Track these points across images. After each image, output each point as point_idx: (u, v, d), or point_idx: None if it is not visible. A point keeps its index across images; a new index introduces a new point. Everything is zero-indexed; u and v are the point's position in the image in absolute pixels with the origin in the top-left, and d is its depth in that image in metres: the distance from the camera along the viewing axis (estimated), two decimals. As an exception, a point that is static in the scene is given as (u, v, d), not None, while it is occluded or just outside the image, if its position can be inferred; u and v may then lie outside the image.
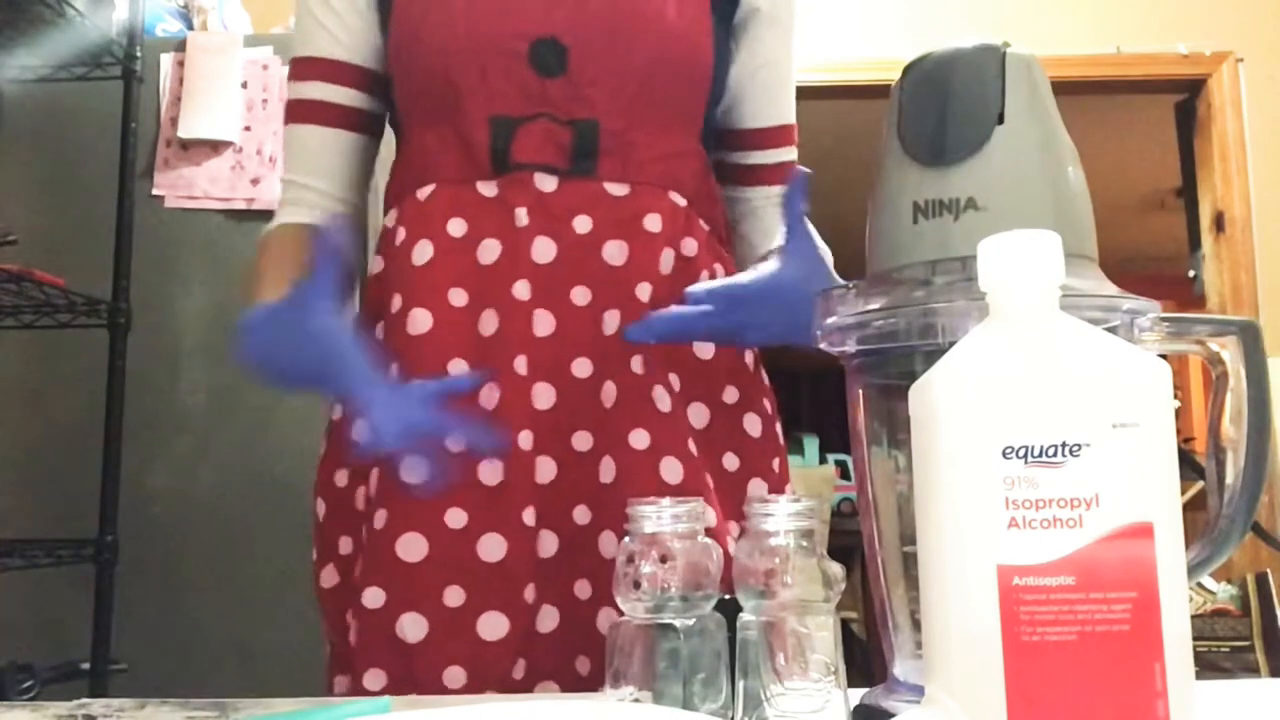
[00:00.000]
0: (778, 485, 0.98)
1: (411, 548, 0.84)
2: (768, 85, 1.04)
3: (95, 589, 1.94)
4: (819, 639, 0.56)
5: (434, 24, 0.92)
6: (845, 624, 3.84)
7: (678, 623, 0.58)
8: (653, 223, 0.92)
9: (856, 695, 0.63)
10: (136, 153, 2.10)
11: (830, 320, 0.64)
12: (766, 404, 1.00)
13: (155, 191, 2.17)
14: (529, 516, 0.86)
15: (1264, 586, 2.46)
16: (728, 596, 0.59)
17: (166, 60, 2.21)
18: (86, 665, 1.92)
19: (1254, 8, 3.18)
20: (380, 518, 0.86)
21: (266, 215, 2.21)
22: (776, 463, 0.98)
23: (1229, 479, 0.62)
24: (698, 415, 0.93)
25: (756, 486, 0.95)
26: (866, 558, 0.67)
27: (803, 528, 0.57)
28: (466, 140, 0.92)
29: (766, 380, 1.02)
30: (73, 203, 2.19)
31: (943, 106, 0.62)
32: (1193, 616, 2.03)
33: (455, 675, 0.83)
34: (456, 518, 0.85)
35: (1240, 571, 2.64)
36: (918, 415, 0.49)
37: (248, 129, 2.20)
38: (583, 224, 0.90)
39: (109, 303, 2.02)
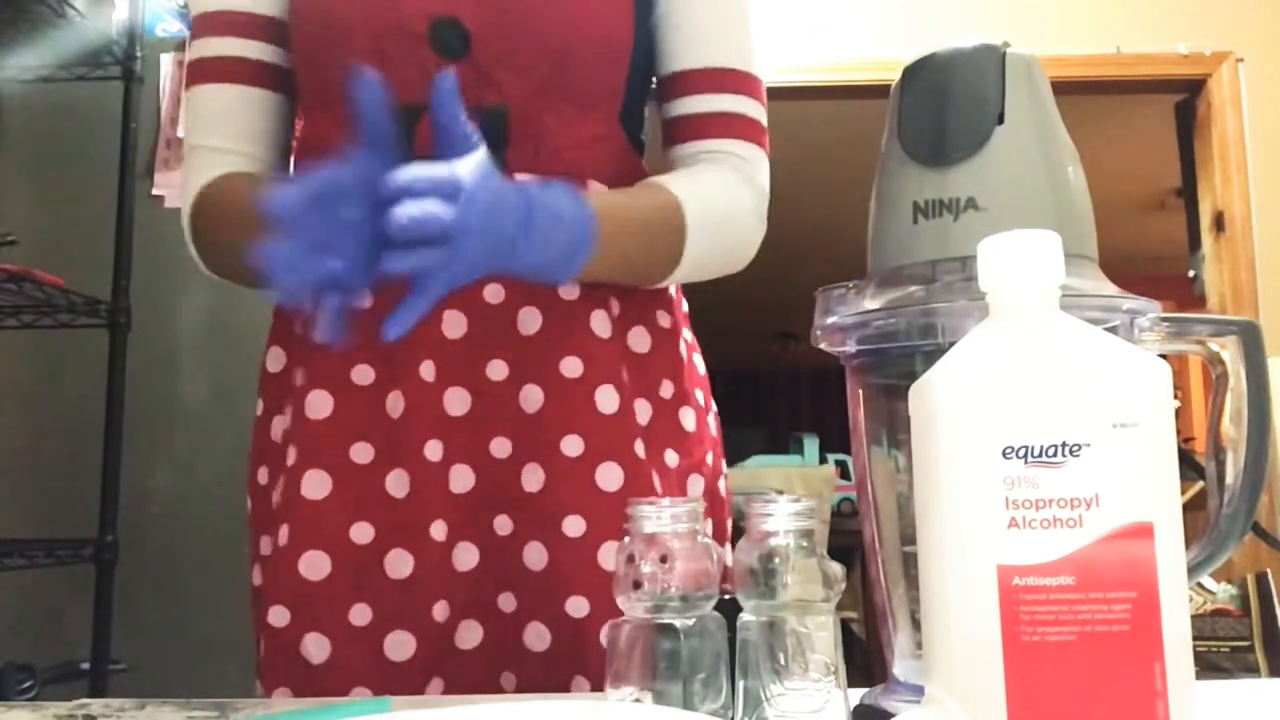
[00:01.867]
0: (712, 480, 0.94)
1: (315, 565, 0.81)
2: (695, 20, 0.93)
3: (95, 589, 1.94)
4: (819, 639, 0.56)
5: (332, 1, 0.86)
6: (845, 624, 3.84)
7: (678, 623, 0.57)
8: None
9: (856, 695, 0.63)
10: (136, 153, 2.10)
11: (830, 320, 0.64)
12: (700, 396, 0.96)
13: (155, 191, 2.18)
14: (438, 530, 0.82)
15: (1264, 586, 2.46)
16: (728, 596, 0.59)
17: (166, 60, 2.21)
18: (86, 665, 1.92)
19: (1254, 8, 3.18)
20: (284, 534, 0.83)
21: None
22: (710, 456, 0.95)
23: (1229, 479, 0.62)
24: (642, 412, 0.89)
25: (695, 483, 0.92)
26: (866, 558, 0.67)
27: (803, 528, 0.57)
28: None
29: (703, 370, 0.98)
30: (73, 203, 2.19)
31: (943, 106, 0.62)
32: (1193, 616, 2.02)
33: (362, 695, 0.80)
34: (362, 533, 0.82)
35: (1240, 571, 2.64)
36: (918, 415, 0.49)
37: (248, 129, 2.20)
38: None
39: (109, 303, 2.02)
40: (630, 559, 0.58)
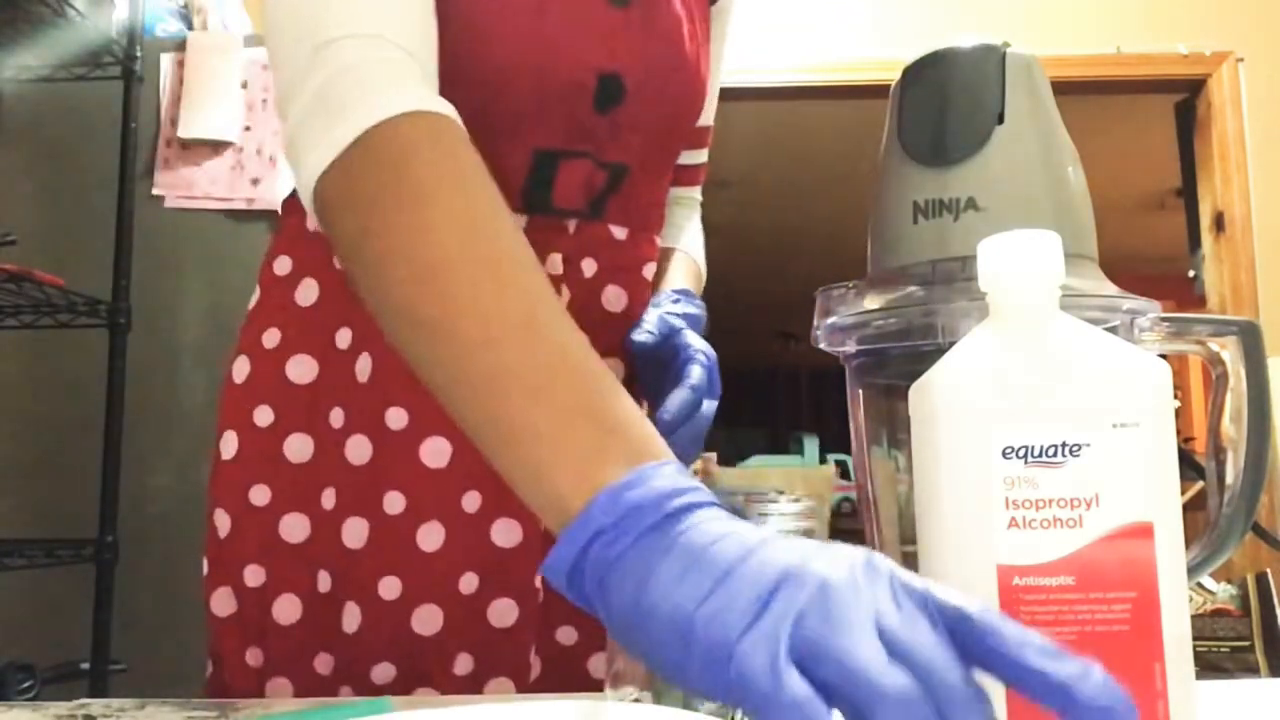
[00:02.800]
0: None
1: (428, 620, 0.80)
2: (714, 82, 1.00)
3: (95, 589, 1.94)
4: (819, 639, 0.56)
5: (494, 32, 0.79)
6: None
7: (678, 623, 0.57)
8: (649, 270, 0.91)
9: (856, 695, 0.62)
10: (136, 153, 2.10)
11: (830, 320, 0.64)
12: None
13: (155, 191, 2.17)
14: (538, 580, 0.84)
15: (1264, 586, 2.46)
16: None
17: (166, 60, 2.21)
18: (86, 665, 1.92)
19: (1254, 8, 3.18)
20: (391, 585, 0.80)
21: (266, 215, 2.19)
22: None
23: (1229, 479, 0.62)
24: None
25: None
26: (866, 558, 0.67)
27: (803, 528, 0.57)
28: (498, 165, 0.76)
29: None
30: (73, 203, 2.19)
31: (943, 106, 0.62)
32: (1193, 616, 2.02)
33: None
34: (469, 583, 0.81)
35: (1240, 571, 2.64)
36: (918, 415, 0.49)
37: (248, 129, 2.20)
38: (589, 267, 0.87)
39: (109, 303, 2.02)
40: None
